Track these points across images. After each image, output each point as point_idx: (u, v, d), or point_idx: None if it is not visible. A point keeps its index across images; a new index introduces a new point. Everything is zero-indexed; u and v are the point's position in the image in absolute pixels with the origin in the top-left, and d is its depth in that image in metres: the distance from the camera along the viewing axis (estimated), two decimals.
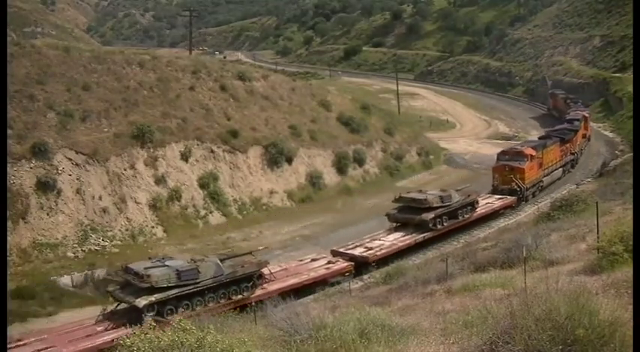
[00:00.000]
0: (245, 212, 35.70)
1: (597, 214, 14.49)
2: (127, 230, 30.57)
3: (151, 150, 34.17)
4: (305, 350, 8.12)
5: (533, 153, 37.19)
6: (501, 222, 33.34)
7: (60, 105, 32.78)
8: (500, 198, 35.33)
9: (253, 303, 19.68)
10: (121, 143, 33.21)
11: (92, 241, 29.05)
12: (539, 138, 44.71)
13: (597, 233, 14.06)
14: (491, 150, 54.27)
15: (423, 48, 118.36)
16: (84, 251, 28.40)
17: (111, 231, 30.06)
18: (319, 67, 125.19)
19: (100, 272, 26.75)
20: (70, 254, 27.99)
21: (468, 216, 31.95)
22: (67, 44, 42.38)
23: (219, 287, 21.55)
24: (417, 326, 9.59)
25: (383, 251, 27.61)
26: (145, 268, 20.28)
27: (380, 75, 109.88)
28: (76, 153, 31.18)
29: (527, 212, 34.79)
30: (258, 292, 22.68)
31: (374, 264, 26.54)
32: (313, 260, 26.85)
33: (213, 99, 40.83)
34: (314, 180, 40.29)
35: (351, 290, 21.49)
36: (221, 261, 22.12)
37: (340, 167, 42.70)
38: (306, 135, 42.66)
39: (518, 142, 46.84)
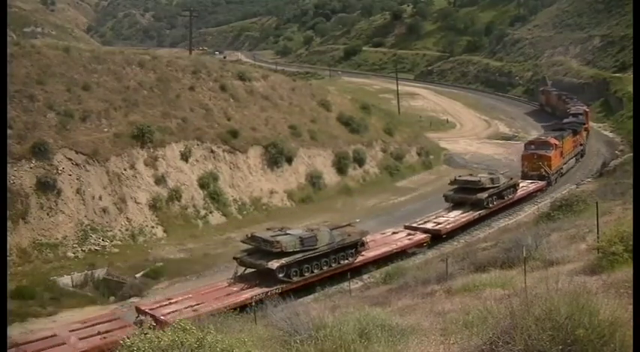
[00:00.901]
0: (245, 212, 35.70)
1: (597, 214, 14.51)
2: (127, 230, 30.56)
3: (151, 150, 34.17)
4: (305, 350, 8.11)
5: (557, 142, 41.16)
6: (501, 222, 33.50)
7: (60, 105, 32.77)
8: (532, 183, 38.84)
9: (253, 304, 19.91)
10: (121, 143, 33.20)
11: (92, 241, 29.04)
12: (552, 129, 47.84)
13: (597, 233, 14.07)
14: (491, 150, 54.54)
15: (423, 48, 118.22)
16: (84, 251, 28.39)
17: (111, 231, 30.05)
18: (319, 67, 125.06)
19: (100, 272, 26.74)
20: (70, 254, 27.98)
21: (511, 196, 35.46)
22: (67, 44, 42.42)
23: (330, 253, 24.32)
24: (417, 326, 9.59)
25: (450, 224, 31.02)
26: (272, 236, 22.88)
27: (380, 75, 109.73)
28: (76, 153, 31.17)
29: (527, 212, 34.87)
30: (359, 258, 25.65)
31: (444, 235, 30.16)
32: (394, 233, 29.98)
33: (213, 99, 40.83)
34: (314, 180, 40.27)
35: (351, 290, 21.52)
36: (330, 230, 24.74)
37: (340, 167, 42.69)
38: (306, 135, 42.64)
39: (519, 142, 47.99)
